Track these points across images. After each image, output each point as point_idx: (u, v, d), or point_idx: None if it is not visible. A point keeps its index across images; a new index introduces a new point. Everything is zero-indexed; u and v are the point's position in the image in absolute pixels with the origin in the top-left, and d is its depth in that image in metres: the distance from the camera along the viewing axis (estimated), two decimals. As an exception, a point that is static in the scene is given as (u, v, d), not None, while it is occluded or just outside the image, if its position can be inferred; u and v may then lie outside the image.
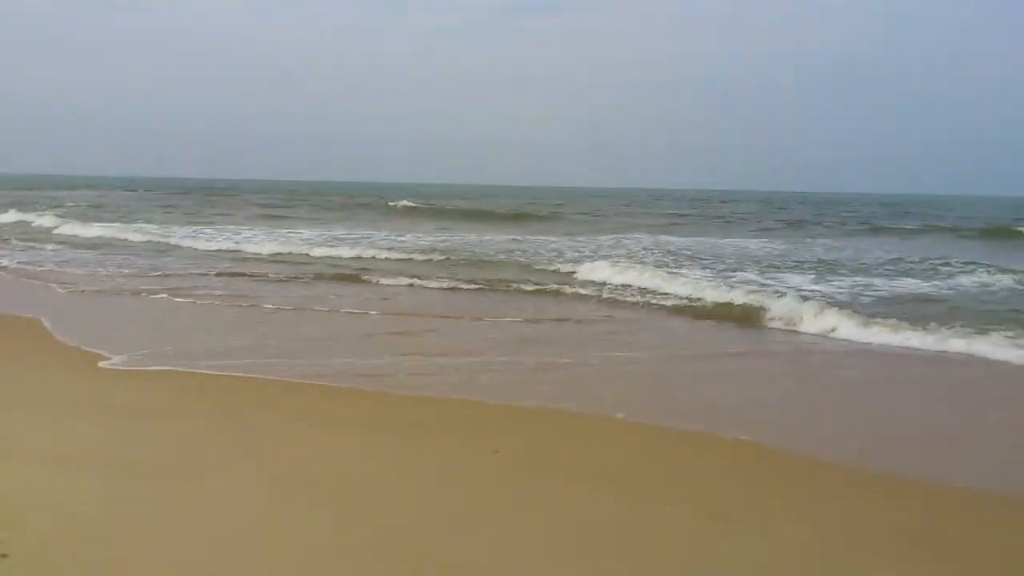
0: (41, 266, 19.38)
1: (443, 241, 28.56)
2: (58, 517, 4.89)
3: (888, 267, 22.37)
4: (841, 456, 6.72)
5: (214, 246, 25.26)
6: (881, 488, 6.03)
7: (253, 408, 7.74)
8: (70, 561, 4.33)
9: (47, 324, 11.65)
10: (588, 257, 23.09)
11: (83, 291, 15.63)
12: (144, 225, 33.72)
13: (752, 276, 19.31)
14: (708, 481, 6.11)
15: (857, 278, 19.58)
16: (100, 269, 19.05)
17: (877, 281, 18.95)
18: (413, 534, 4.89)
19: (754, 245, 30.01)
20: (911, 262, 23.41)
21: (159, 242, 26.56)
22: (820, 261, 24.04)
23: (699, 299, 15.22)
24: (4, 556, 4.22)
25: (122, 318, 13.25)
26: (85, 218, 36.42)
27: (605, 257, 22.62)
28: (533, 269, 20.38)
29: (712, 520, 5.26)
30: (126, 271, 18.80)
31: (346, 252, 23.33)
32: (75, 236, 28.61)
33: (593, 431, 7.34)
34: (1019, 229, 39.03)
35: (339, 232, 31.29)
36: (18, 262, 19.98)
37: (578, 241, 30.10)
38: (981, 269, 20.91)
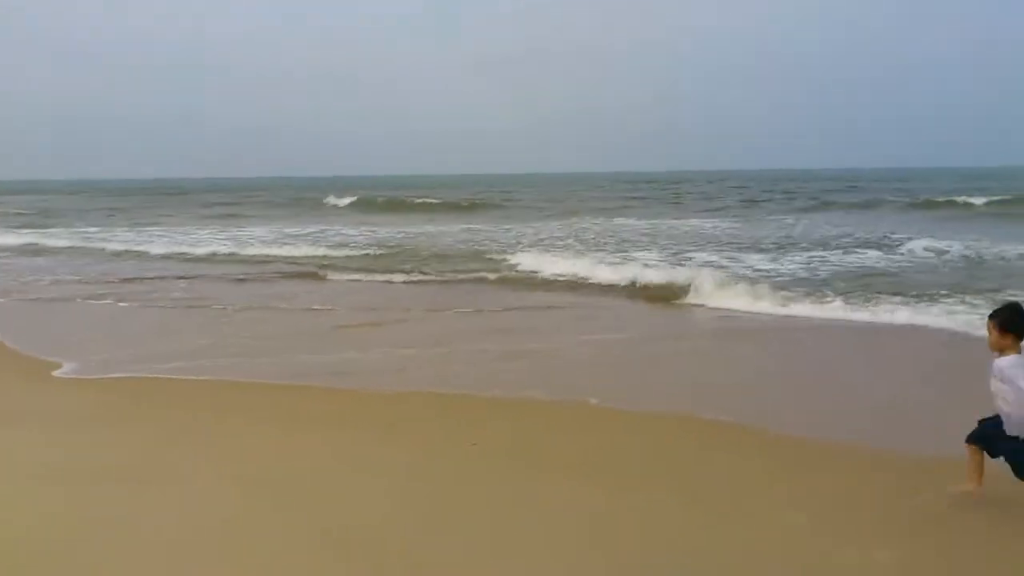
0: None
1: (399, 233, 28.36)
2: (30, 529, 4.84)
3: (841, 241, 22.77)
4: (814, 431, 6.77)
5: (165, 249, 24.33)
6: (858, 461, 6.06)
7: (214, 411, 7.63)
8: (45, 571, 4.30)
9: (2, 337, 11.30)
10: (544, 243, 23.11)
11: (33, 299, 15.26)
12: (87, 229, 32.94)
13: (709, 257, 19.48)
14: (686, 464, 6.12)
15: (813, 253, 19.90)
16: (48, 276, 18.57)
17: (831, 257, 19.26)
18: (387, 533, 4.81)
19: (709, 225, 30.32)
20: (863, 236, 23.84)
21: (107, 248, 25.52)
22: (775, 238, 24.38)
23: (653, 282, 15.11)
24: None
25: (75, 325, 12.94)
26: (32, 224, 35.49)
27: (561, 242, 22.68)
28: (489, 259, 20.28)
29: (693, 505, 5.26)
30: (76, 277, 18.35)
31: (301, 250, 22.90)
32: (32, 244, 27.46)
33: (567, 418, 7.33)
34: (956, 199, 39.91)
35: (292, 229, 30.83)
36: None
37: (533, 227, 30.15)
38: (927, 240, 21.39)
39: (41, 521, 4.98)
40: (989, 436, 4.89)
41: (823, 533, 4.83)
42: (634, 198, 54.74)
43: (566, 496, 5.41)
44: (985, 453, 4.95)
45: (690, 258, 19.26)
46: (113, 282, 17.34)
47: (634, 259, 18.64)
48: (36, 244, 26.57)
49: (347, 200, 51.00)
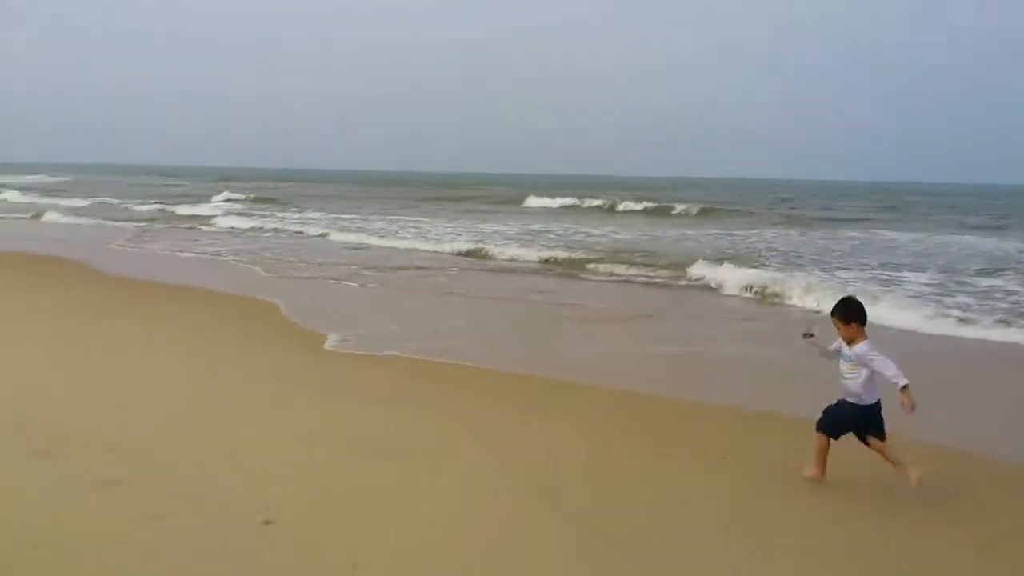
0: (262, 254, 20.63)
1: (643, 236, 27.86)
2: (310, 491, 5.11)
3: None
4: None
5: (415, 240, 24.96)
6: None
7: (470, 394, 7.85)
8: (324, 533, 4.51)
9: (283, 309, 12.31)
10: (792, 254, 21.52)
11: (306, 278, 16.47)
12: (341, 216, 35.33)
13: (996, 281, 16.96)
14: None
15: None
16: (316, 257, 20.03)
17: None
18: (641, 535, 4.68)
19: (989, 244, 26.94)
20: None
21: (360, 236, 26.38)
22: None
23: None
24: (270, 522, 4.57)
25: (341, 303, 13.84)
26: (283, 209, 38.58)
27: (812, 252, 20.97)
28: (743, 268, 18.95)
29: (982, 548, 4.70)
30: (335, 260, 19.67)
31: (553, 251, 21.63)
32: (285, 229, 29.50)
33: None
34: None
35: (537, 226, 31.13)
36: (243, 251, 21.53)
37: (785, 235, 28.47)
38: None
39: (324, 486, 5.23)
40: (833, 422, 5.47)
41: None
42: (884, 207, 50.74)
43: (807, 514, 5.11)
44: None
45: (967, 283, 16.75)
46: (377, 268, 18.29)
47: (903, 281, 16.73)
48: (294, 230, 28.37)
49: (561, 201, 50.41)
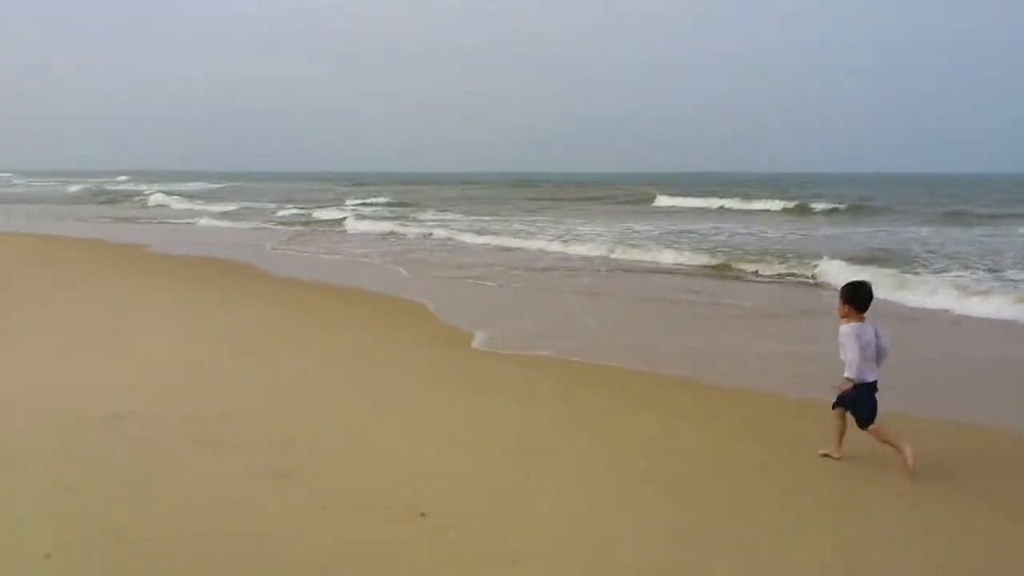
0: (407, 255, 21.17)
1: (790, 234, 26.75)
2: (454, 488, 5.22)
3: None
4: None
5: (552, 245, 24.11)
6: None
7: (615, 394, 7.81)
8: (470, 529, 4.61)
9: (431, 308, 12.58)
10: (956, 256, 20.17)
11: (454, 278, 16.73)
12: (481, 218, 35.58)
13: None
14: None
15: None
16: (462, 258, 20.37)
17: None
18: (752, 535, 4.61)
19: None
20: None
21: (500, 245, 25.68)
22: None
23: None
24: (423, 515, 4.73)
25: (491, 305, 13.96)
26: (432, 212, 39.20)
27: (989, 260, 19.50)
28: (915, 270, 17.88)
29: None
30: (484, 262, 19.83)
31: (698, 257, 20.24)
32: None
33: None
34: None
35: (673, 226, 30.48)
36: (389, 252, 22.20)
37: (942, 233, 26.70)
38: None
39: (468, 484, 5.31)
40: (848, 400, 5.78)
41: None
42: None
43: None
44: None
45: None
46: (521, 268, 18.38)
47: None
48: (435, 233, 28.64)
49: (693, 202, 48.85)
